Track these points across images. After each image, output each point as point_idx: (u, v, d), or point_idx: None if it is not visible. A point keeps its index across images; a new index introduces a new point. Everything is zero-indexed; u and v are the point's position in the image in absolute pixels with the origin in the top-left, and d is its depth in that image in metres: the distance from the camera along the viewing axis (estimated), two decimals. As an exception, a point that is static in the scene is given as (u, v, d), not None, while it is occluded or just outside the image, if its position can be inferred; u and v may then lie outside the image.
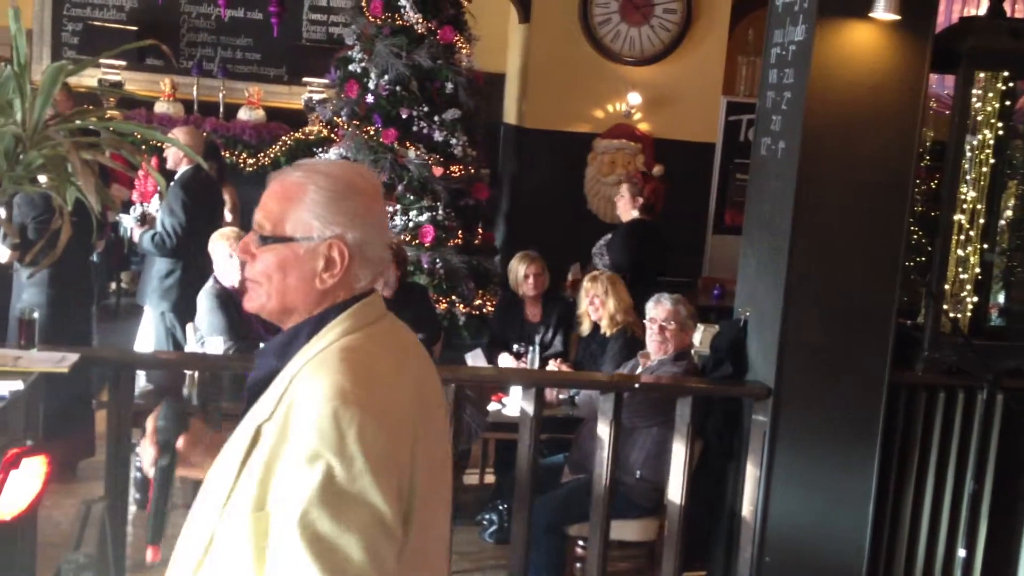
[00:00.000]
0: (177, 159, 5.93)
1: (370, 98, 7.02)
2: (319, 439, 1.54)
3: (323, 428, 1.54)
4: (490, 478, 5.64)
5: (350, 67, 7.20)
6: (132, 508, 4.20)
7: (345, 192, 1.71)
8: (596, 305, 5.19)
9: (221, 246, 5.04)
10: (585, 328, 5.31)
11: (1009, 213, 4.20)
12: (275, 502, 1.57)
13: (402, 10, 6.98)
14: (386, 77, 6.96)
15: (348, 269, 1.70)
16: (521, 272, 5.58)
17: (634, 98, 8.18)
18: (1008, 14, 4.26)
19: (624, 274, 5.57)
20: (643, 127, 8.29)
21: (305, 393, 1.59)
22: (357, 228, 1.70)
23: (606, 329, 5.17)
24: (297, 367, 1.66)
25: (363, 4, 7.13)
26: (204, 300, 4.99)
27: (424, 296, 5.80)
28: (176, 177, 5.78)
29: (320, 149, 7.55)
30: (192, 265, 5.78)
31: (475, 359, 5.31)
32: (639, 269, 5.91)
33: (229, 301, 4.96)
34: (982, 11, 4.29)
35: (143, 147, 6.41)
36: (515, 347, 5.30)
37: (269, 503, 1.57)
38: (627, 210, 6.12)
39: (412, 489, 1.63)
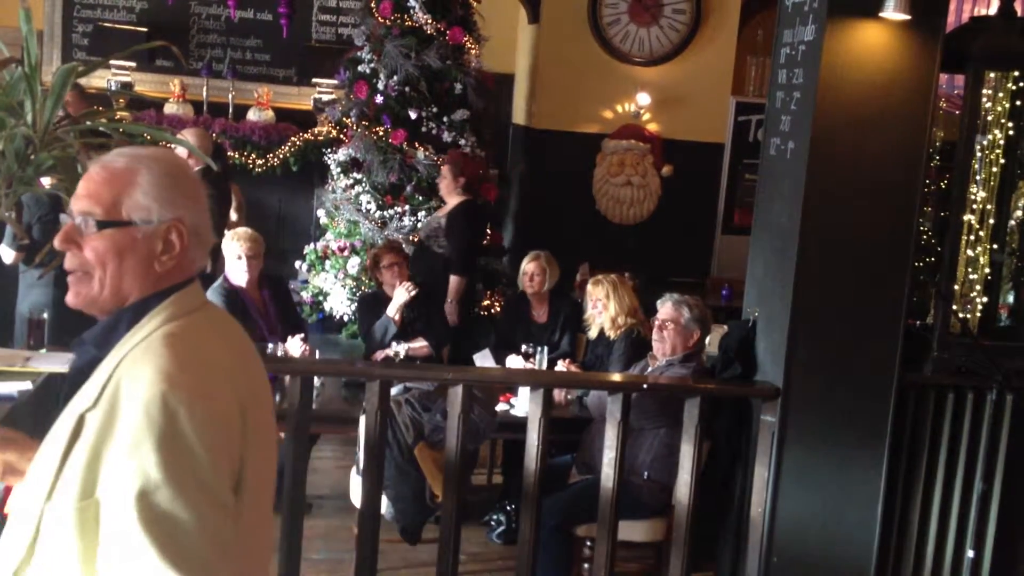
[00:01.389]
0: None
1: (379, 99, 7.03)
2: (149, 423, 1.54)
3: (152, 412, 1.54)
4: (498, 478, 5.64)
5: (359, 68, 7.21)
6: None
7: (177, 175, 1.72)
8: (599, 309, 5.19)
9: (232, 246, 5.05)
10: (593, 332, 5.31)
11: (1019, 213, 4.19)
12: (105, 490, 1.56)
13: (411, 11, 6.99)
14: (395, 78, 6.97)
15: (186, 251, 1.71)
16: (522, 268, 5.62)
17: (643, 98, 8.17)
18: (1019, 14, 4.25)
19: (463, 257, 5.99)
20: (652, 127, 8.28)
21: (132, 379, 1.59)
22: (192, 210, 1.71)
23: (609, 332, 5.18)
24: (120, 355, 1.64)
25: (372, 5, 7.14)
26: (209, 298, 4.99)
27: (434, 299, 5.80)
28: None
29: (329, 150, 7.56)
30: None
31: (483, 360, 5.31)
32: (474, 250, 6.33)
33: (234, 301, 4.97)
34: (992, 11, 4.27)
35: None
36: (524, 348, 5.30)
37: (98, 491, 1.56)
38: (450, 191, 6.23)
39: (242, 471, 1.65)
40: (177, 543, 1.52)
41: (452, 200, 6.23)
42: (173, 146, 6.08)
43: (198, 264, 1.76)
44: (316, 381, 4.50)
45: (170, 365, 1.59)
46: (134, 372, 1.60)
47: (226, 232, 5.27)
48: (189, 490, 1.54)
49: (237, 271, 5.03)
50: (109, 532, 1.55)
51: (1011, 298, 4.26)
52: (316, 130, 8.35)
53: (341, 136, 7.58)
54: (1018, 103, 4.04)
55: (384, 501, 4.12)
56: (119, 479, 1.55)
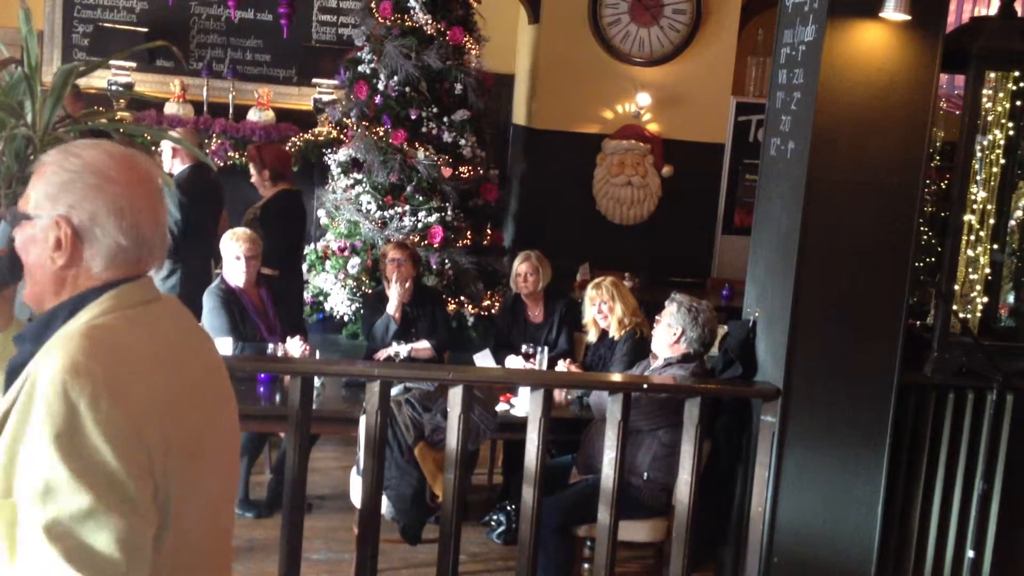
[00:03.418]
0: (169, 161, 5.98)
1: (379, 99, 7.03)
2: (49, 415, 1.49)
3: (52, 403, 1.50)
4: (498, 478, 5.64)
5: (359, 68, 7.21)
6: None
7: (81, 173, 1.67)
8: (604, 313, 5.17)
9: (231, 246, 5.04)
10: (592, 336, 5.30)
11: (1019, 213, 4.19)
12: (18, 487, 1.52)
13: (411, 11, 7.00)
14: (395, 78, 6.97)
15: (76, 252, 1.67)
16: (514, 270, 5.61)
17: (643, 99, 8.18)
18: (1019, 14, 4.25)
19: (280, 249, 5.86)
20: (652, 128, 8.28)
21: (41, 370, 1.55)
22: (85, 210, 1.66)
23: (614, 333, 5.17)
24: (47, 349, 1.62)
25: (372, 5, 7.15)
26: (206, 299, 4.99)
27: (439, 301, 5.80)
28: (173, 177, 5.81)
29: (330, 150, 7.56)
30: (193, 265, 5.81)
31: (483, 360, 5.31)
32: (294, 241, 6.25)
33: (232, 301, 4.97)
34: (993, 11, 4.27)
35: (152, 148, 6.43)
36: (524, 348, 5.30)
37: (15, 492, 1.52)
38: (263, 184, 6.14)
39: (166, 474, 1.58)
40: (83, 545, 1.46)
41: (267, 192, 6.14)
42: (161, 148, 6.11)
43: (98, 269, 1.68)
44: (316, 381, 4.51)
45: (78, 354, 1.54)
46: (45, 362, 1.55)
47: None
48: (93, 487, 1.48)
49: (235, 271, 5.03)
50: (22, 533, 1.50)
51: (1011, 298, 4.26)
52: (316, 130, 8.35)
53: (341, 136, 7.59)
54: (1018, 103, 4.04)
55: (384, 501, 4.12)
56: (25, 477, 1.51)
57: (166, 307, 1.78)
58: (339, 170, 7.27)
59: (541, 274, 5.58)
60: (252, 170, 6.16)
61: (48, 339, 1.64)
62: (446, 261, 6.90)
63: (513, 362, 5.30)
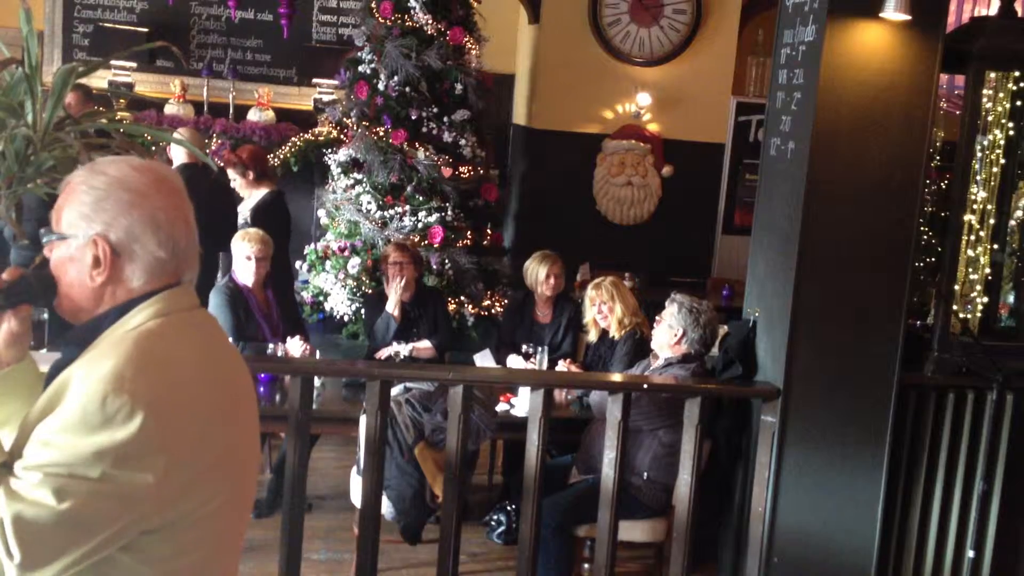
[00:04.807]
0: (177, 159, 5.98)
1: (379, 99, 7.03)
2: (80, 418, 1.52)
3: (88, 409, 1.52)
4: (498, 478, 5.64)
5: (360, 68, 7.21)
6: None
7: (112, 190, 1.68)
8: (604, 313, 5.17)
9: (242, 247, 5.05)
10: (593, 336, 5.31)
11: (1019, 213, 4.19)
12: (18, 462, 1.56)
13: (412, 11, 6.99)
14: (395, 78, 6.97)
15: (115, 268, 1.68)
16: (542, 273, 5.52)
17: (643, 99, 8.17)
18: (1019, 14, 4.25)
19: (280, 247, 5.75)
20: (652, 128, 8.28)
21: (87, 370, 1.57)
22: (121, 227, 1.67)
23: (614, 333, 5.18)
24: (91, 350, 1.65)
25: (373, 5, 7.14)
26: (213, 296, 5.00)
27: (441, 301, 5.80)
28: None
29: (330, 150, 7.56)
30: None
31: (484, 359, 5.31)
32: (287, 239, 6.22)
33: (237, 300, 4.97)
34: (993, 11, 4.27)
35: (153, 148, 6.42)
36: (524, 348, 5.30)
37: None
38: (248, 187, 6.14)
39: (194, 481, 1.62)
40: (31, 536, 1.50)
41: (254, 194, 6.15)
42: (168, 147, 6.10)
43: (137, 283, 1.70)
44: (316, 381, 4.50)
45: (126, 367, 1.56)
46: (93, 364, 1.58)
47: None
48: (71, 491, 1.51)
49: (245, 271, 5.04)
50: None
51: (1011, 298, 4.27)
52: (316, 130, 8.35)
53: (341, 136, 7.58)
54: (1018, 103, 4.04)
55: (384, 501, 4.12)
56: (27, 455, 1.54)
57: (204, 315, 1.81)
58: (339, 170, 7.26)
59: (563, 274, 5.59)
60: (234, 174, 6.12)
61: (94, 341, 1.66)
62: (446, 261, 6.90)
63: (513, 362, 5.30)
